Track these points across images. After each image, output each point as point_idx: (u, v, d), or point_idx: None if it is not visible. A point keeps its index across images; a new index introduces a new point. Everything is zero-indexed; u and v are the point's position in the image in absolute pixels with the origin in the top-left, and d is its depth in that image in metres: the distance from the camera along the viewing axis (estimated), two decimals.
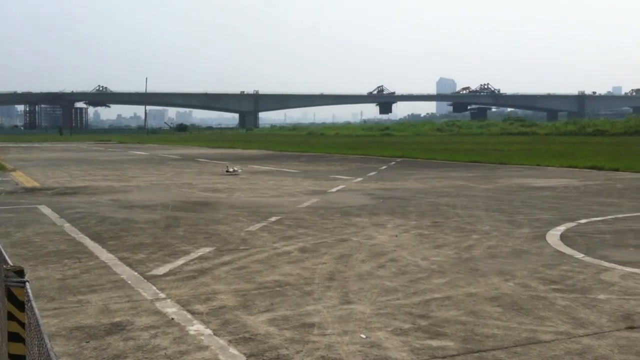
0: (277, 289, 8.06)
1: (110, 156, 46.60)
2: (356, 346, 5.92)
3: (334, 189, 20.25)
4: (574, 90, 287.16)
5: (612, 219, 13.53)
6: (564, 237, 11.37)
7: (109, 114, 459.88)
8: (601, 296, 7.56)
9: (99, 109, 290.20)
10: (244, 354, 5.79)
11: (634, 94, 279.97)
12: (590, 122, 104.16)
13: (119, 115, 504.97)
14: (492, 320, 6.66)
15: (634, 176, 23.58)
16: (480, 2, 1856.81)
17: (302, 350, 5.83)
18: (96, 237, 11.84)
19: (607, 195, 17.71)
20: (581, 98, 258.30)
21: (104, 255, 10.24)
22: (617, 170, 26.03)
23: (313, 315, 6.90)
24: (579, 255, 9.83)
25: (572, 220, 13.30)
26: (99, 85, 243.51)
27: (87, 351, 5.90)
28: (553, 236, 11.50)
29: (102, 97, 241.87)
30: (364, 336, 6.18)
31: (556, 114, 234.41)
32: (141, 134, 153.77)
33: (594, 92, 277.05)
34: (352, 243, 11.07)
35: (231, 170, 28.09)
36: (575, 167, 27.84)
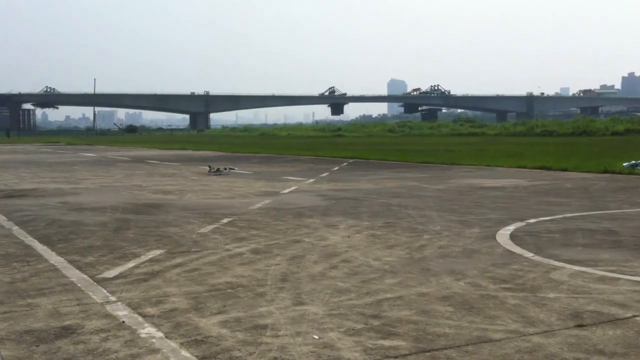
0: (229, 290, 8.02)
1: (59, 158, 45.98)
2: (309, 347, 5.91)
3: (287, 190, 20.23)
4: (522, 92, 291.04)
5: (560, 218, 13.71)
6: (513, 237, 11.49)
7: (57, 115, 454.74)
8: (551, 295, 7.65)
9: (47, 110, 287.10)
10: (196, 356, 5.75)
11: (582, 94, 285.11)
12: (538, 122, 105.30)
13: (68, 117, 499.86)
14: (444, 320, 6.70)
15: (582, 176, 23.91)
16: (430, 4, 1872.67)
17: (254, 352, 5.81)
18: (45, 240, 11.67)
19: (555, 195, 17.95)
20: (530, 99, 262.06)
21: (54, 258, 10.09)
22: (565, 170, 26.36)
23: (266, 316, 6.88)
24: (529, 255, 9.93)
25: (522, 219, 13.45)
26: (46, 87, 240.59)
27: (37, 355, 5.81)
28: (503, 236, 11.61)
29: (50, 99, 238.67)
30: (316, 337, 6.18)
31: (505, 115, 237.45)
32: (90, 135, 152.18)
33: (542, 93, 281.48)
34: (305, 244, 11.06)
35: (215, 169, 27.65)
36: (525, 167, 28.12)
